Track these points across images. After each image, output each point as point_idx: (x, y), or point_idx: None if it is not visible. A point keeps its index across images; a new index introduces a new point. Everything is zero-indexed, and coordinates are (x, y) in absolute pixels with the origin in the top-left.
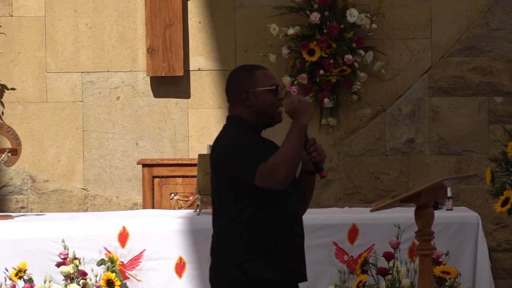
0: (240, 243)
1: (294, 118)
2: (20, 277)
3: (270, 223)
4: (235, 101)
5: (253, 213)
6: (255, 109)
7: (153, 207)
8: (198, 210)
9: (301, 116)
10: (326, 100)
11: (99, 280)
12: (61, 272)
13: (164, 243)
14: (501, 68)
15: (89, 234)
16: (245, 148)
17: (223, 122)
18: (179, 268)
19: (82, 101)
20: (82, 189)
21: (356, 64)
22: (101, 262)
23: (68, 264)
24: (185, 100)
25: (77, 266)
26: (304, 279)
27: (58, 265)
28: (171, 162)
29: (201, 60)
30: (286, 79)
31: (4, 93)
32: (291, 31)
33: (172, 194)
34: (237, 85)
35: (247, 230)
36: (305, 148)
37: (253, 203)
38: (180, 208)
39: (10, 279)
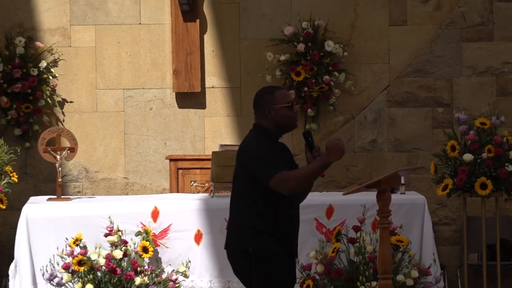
0: (250, 224)
1: (326, 153)
2: (77, 245)
3: (273, 213)
4: (261, 114)
5: (262, 204)
6: (275, 121)
7: (177, 192)
8: (212, 194)
9: (331, 154)
10: (309, 110)
11: (137, 247)
12: (108, 241)
13: (186, 218)
14: (442, 86)
15: (129, 212)
16: (266, 156)
17: (231, 127)
18: (197, 237)
19: (123, 111)
20: (124, 178)
21: (332, 83)
22: (138, 233)
23: (113, 235)
24: (202, 110)
25: (120, 237)
26: (296, 255)
27: (106, 235)
28: (191, 157)
29: (214, 80)
30: None
31: (65, 105)
32: (282, 58)
33: (192, 182)
34: (262, 103)
35: (256, 215)
36: (311, 153)
37: (263, 198)
38: (198, 192)
39: (69, 246)
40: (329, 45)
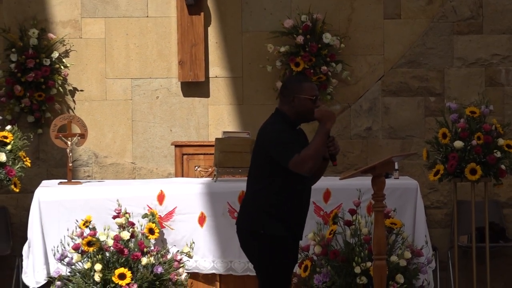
0: (264, 207)
1: (321, 122)
2: (87, 226)
3: (286, 197)
4: (285, 100)
5: (277, 188)
6: (296, 110)
7: (182, 176)
8: (215, 178)
9: (326, 122)
10: None
11: (143, 229)
12: (116, 223)
13: (190, 202)
14: (434, 76)
15: (136, 195)
16: (286, 141)
17: (234, 115)
18: (201, 220)
19: (131, 99)
20: (131, 163)
21: (329, 73)
22: (144, 216)
23: (121, 217)
24: (206, 99)
25: (127, 219)
26: (301, 238)
27: (114, 217)
28: (196, 143)
29: (218, 70)
30: (279, 84)
31: (76, 94)
32: (282, 49)
33: (196, 167)
34: (289, 89)
35: (269, 198)
36: (327, 142)
37: (279, 181)
38: (202, 177)
39: (79, 227)
40: (327, 37)
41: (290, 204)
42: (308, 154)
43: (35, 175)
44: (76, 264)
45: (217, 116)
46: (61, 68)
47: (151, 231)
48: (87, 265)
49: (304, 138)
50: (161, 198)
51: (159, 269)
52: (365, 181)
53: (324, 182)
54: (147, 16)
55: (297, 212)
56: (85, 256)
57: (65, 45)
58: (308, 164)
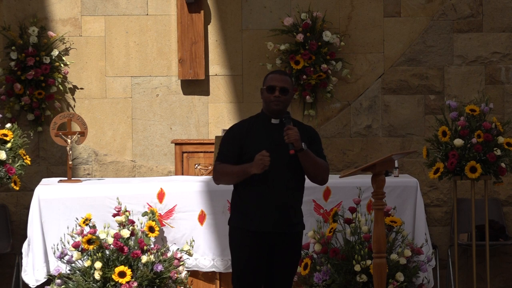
0: (232, 201)
1: (251, 163)
2: (87, 224)
3: (246, 191)
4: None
5: (241, 185)
6: (263, 102)
7: (182, 174)
8: None
9: (253, 165)
10: (307, 97)
11: (143, 227)
12: (116, 221)
13: (190, 200)
14: (434, 74)
15: (136, 193)
16: (221, 143)
17: (233, 113)
18: (201, 218)
19: (131, 97)
20: (131, 161)
21: (329, 71)
22: (144, 214)
23: (121, 215)
24: (206, 97)
25: (127, 217)
26: (272, 229)
27: (114, 215)
28: (196, 141)
29: (217, 68)
30: None
31: (75, 92)
32: (282, 47)
33: (196, 165)
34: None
35: (235, 193)
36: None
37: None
38: (201, 175)
39: (79, 225)
40: (327, 35)
41: (248, 198)
42: (220, 171)
43: (35, 173)
44: (76, 262)
45: (217, 114)
46: (61, 66)
47: (151, 229)
48: (87, 263)
49: (280, 134)
50: (161, 196)
51: (159, 267)
52: (365, 179)
53: None
54: (147, 14)
55: (257, 205)
56: (85, 254)
57: (65, 43)
58: (214, 175)
